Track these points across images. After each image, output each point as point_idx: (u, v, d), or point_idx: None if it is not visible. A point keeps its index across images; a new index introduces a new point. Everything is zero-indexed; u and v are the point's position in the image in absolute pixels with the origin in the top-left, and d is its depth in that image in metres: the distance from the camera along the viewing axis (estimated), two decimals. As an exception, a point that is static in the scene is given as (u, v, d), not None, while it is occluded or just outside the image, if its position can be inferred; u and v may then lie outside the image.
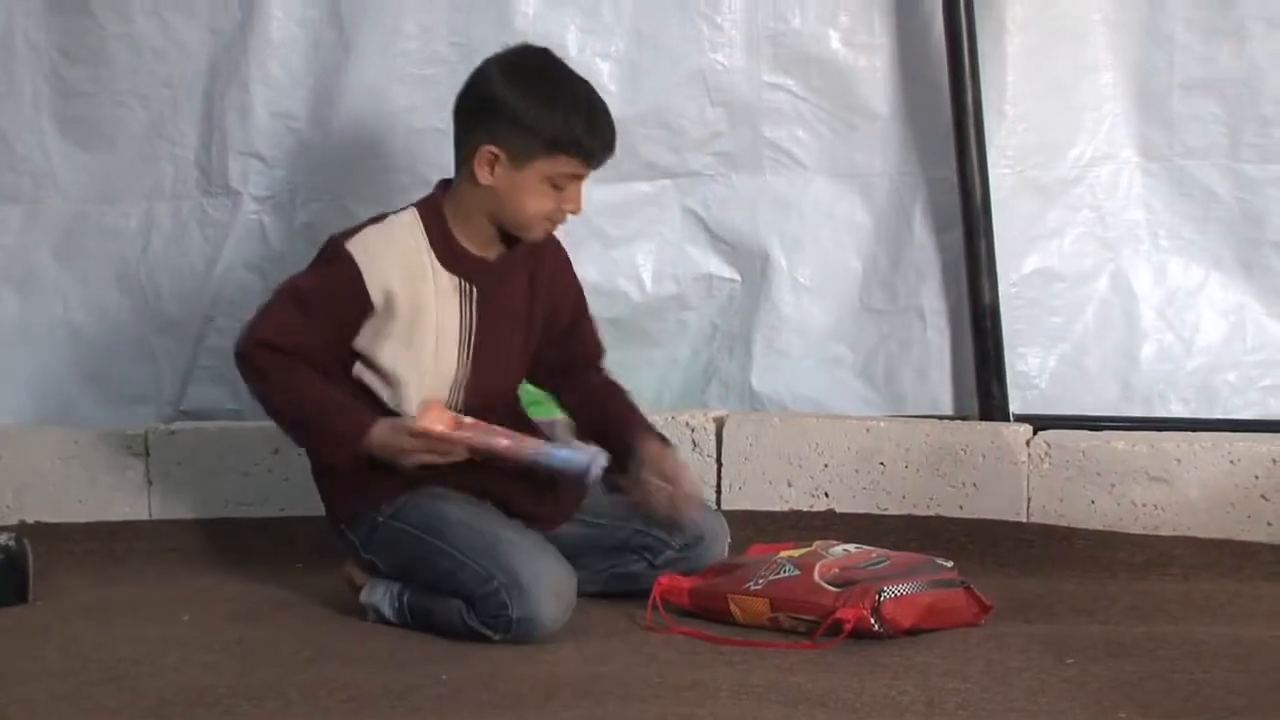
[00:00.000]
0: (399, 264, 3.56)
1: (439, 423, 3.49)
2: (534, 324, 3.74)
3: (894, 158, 4.40)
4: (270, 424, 4.32)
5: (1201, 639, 3.26)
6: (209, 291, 4.50)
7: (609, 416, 3.79)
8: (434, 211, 3.62)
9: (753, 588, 3.49)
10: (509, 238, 3.64)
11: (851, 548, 3.60)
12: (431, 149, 4.34)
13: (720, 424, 4.27)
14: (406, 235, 3.60)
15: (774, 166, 4.42)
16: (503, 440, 3.52)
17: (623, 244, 4.44)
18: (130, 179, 4.55)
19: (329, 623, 3.63)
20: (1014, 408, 4.28)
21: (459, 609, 3.46)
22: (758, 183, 4.43)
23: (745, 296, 4.47)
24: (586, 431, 3.81)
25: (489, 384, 3.66)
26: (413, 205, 3.66)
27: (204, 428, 4.41)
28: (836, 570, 3.47)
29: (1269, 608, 3.57)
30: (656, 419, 3.90)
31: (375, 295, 3.53)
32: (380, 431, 3.50)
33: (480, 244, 3.64)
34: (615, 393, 3.84)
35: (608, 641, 3.40)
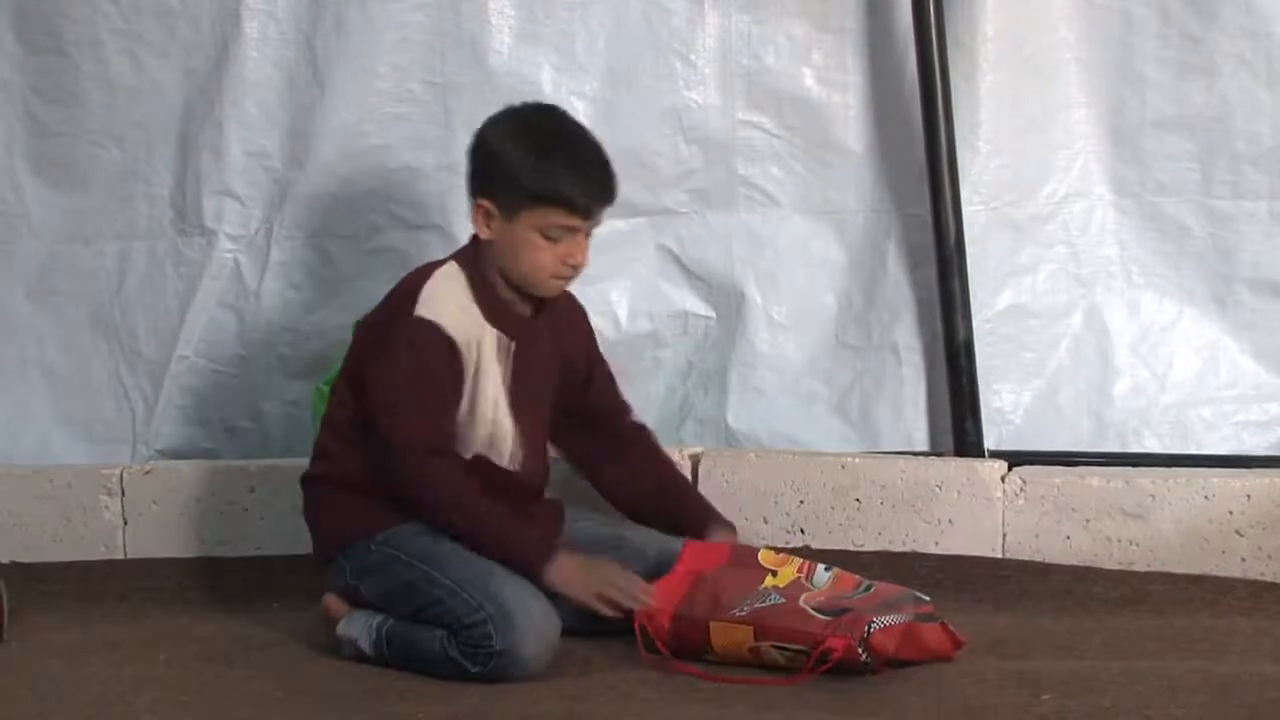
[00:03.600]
0: (461, 317, 3.57)
1: (662, 599, 3.52)
2: (555, 377, 3.77)
3: (868, 194, 4.41)
4: (245, 463, 4.35)
5: (1177, 675, 3.26)
6: (184, 331, 4.47)
7: (666, 501, 3.85)
8: (474, 265, 3.62)
9: (737, 614, 3.47)
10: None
11: (836, 572, 3.58)
12: (405, 187, 4.35)
13: (696, 461, 4.26)
14: (456, 289, 3.60)
15: (748, 204, 4.43)
16: None
17: (597, 282, 4.41)
18: (104, 219, 4.53)
19: (305, 661, 3.61)
20: (988, 444, 4.28)
21: (440, 637, 3.45)
22: (732, 220, 4.44)
23: (720, 333, 4.48)
24: (636, 512, 3.86)
25: (528, 441, 3.68)
26: (451, 259, 3.66)
27: (179, 467, 4.40)
28: (823, 599, 3.46)
29: (1244, 644, 3.57)
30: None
31: (461, 344, 3.54)
32: (569, 566, 3.52)
33: (513, 299, 3.65)
34: (663, 468, 3.90)
35: (584, 679, 3.39)
